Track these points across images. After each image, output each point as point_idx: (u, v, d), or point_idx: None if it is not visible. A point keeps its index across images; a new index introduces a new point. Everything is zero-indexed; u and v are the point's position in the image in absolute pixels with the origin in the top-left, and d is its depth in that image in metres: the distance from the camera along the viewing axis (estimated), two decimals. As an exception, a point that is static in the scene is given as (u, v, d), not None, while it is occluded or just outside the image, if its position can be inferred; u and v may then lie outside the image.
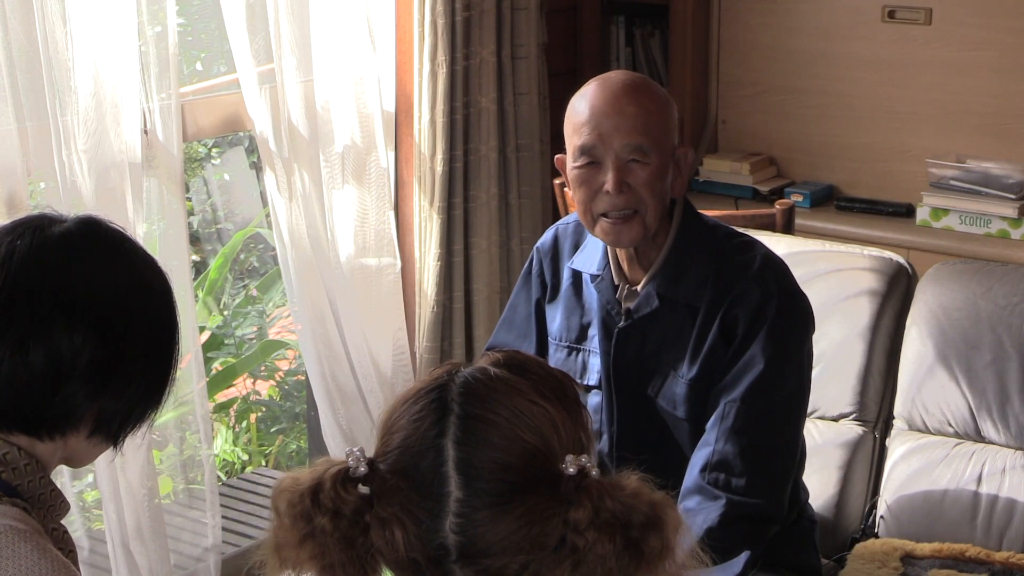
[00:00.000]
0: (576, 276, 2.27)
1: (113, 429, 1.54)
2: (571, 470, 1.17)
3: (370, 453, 1.23)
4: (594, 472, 1.18)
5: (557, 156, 2.20)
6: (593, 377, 2.23)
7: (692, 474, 2.09)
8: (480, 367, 1.24)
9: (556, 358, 2.29)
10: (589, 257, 2.23)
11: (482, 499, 1.16)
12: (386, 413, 1.25)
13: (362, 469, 1.19)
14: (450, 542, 1.16)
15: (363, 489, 1.19)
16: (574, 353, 2.26)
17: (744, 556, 2.02)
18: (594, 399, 2.25)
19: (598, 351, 2.21)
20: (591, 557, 1.15)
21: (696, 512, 2.06)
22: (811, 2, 3.65)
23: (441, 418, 1.19)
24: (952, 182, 3.43)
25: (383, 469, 1.20)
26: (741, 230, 2.28)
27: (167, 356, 1.56)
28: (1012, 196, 3.35)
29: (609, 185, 2.06)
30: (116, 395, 1.50)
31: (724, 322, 2.11)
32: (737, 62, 3.81)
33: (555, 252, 2.31)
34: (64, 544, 1.54)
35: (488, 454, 1.17)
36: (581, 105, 2.11)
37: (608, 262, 2.20)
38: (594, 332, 2.22)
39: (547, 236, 2.35)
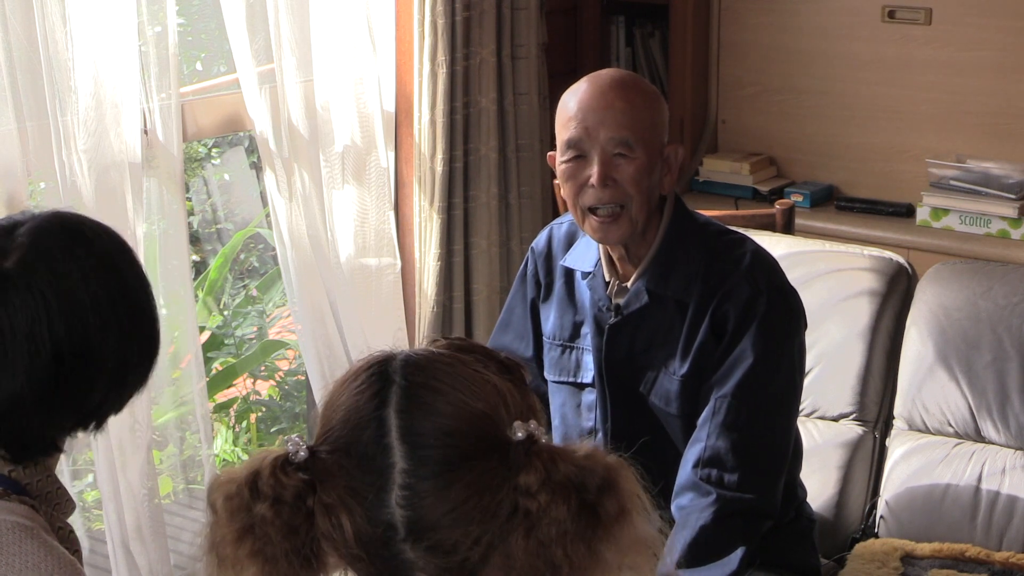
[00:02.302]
0: (569, 275, 2.27)
1: (93, 425, 1.56)
2: (520, 435, 1.13)
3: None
4: (543, 439, 1.14)
5: (549, 154, 2.21)
6: (587, 375, 2.24)
7: (685, 470, 2.10)
8: (422, 348, 1.20)
9: (550, 357, 2.30)
10: (582, 255, 2.24)
11: (428, 468, 1.11)
12: (326, 395, 1.20)
13: (302, 454, 1.14)
14: (397, 518, 1.12)
15: (304, 475, 1.14)
16: (568, 351, 2.27)
17: (739, 552, 2.03)
18: (588, 397, 2.25)
19: (591, 348, 2.22)
20: (545, 520, 1.11)
21: (689, 510, 2.07)
22: (811, 2, 3.65)
23: (382, 389, 1.14)
24: (952, 182, 3.43)
25: (324, 451, 1.15)
26: (740, 230, 2.28)
27: (143, 357, 1.56)
28: (1012, 196, 3.35)
29: (594, 179, 2.07)
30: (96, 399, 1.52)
31: (714, 318, 2.11)
32: (737, 62, 3.81)
33: (549, 252, 2.32)
34: (70, 543, 1.55)
35: (433, 420, 1.12)
36: (570, 101, 2.12)
37: (600, 259, 2.20)
38: (587, 330, 2.23)
39: (541, 236, 2.36)
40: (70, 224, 1.55)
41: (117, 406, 1.56)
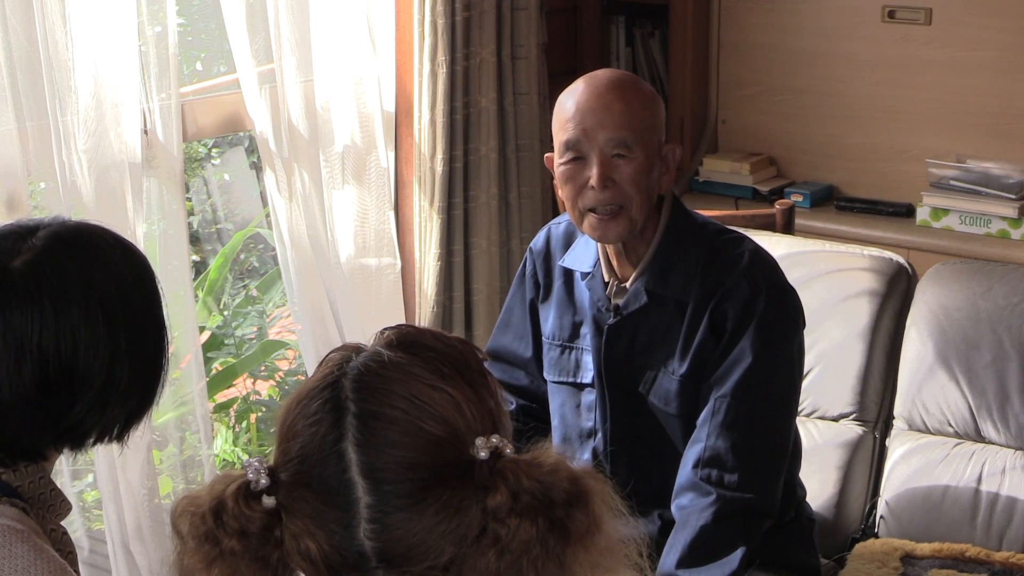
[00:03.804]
0: (568, 275, 2.27)
1: (81, 439, 1.55)
2: (483, 454, 1.11)
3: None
4: (508, 451, 1.13)
5: (547, 155, 2.20)
6: (587, 375, 2.24)
7: (685, 470, 2.10)
8: (373, 351, 1.17)
9: (550, 357, 2.29)
10: (580, 255, 2.24)
11: (393, 502, 1.10)
12: (282, 415, 1.17)
13: (263, 481, 1.12)
14: (368, 549, 1.11)
15: (268, 501, 1.12)
16: (567, 352, 2.27)
17: (740, 552, 2.03)
18: (588, 397, 2.25)
19: (590, 349, 2.22)
20: (515, 544, 1.10)
21: (690, 510, 2.07)
22: (811, 2, 3.65)
23: (338, 420, 1.12)
24: (952, 182, 3.43)
25: (285, 479, 1.13)
26: (740, 230, 2.28)
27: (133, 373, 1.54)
28: (1012, 196, 3.35)
29: (594, 180, 2.07)
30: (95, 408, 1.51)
31: (713, 317, 2.11)
32: (737, 62, 3.81)
33: (547, 252, 2.32)
34: (63, 546, 1.54)
35: (392, 454, 1.11)
36: (567, 102, 2.12)
37: (598, 259, 2.20)
38: (586, 330, 2.23)
39: (539, 236, 2.36)
40: (90, 238, 1.54)
41: (100, 429, 1.53)
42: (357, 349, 1.18)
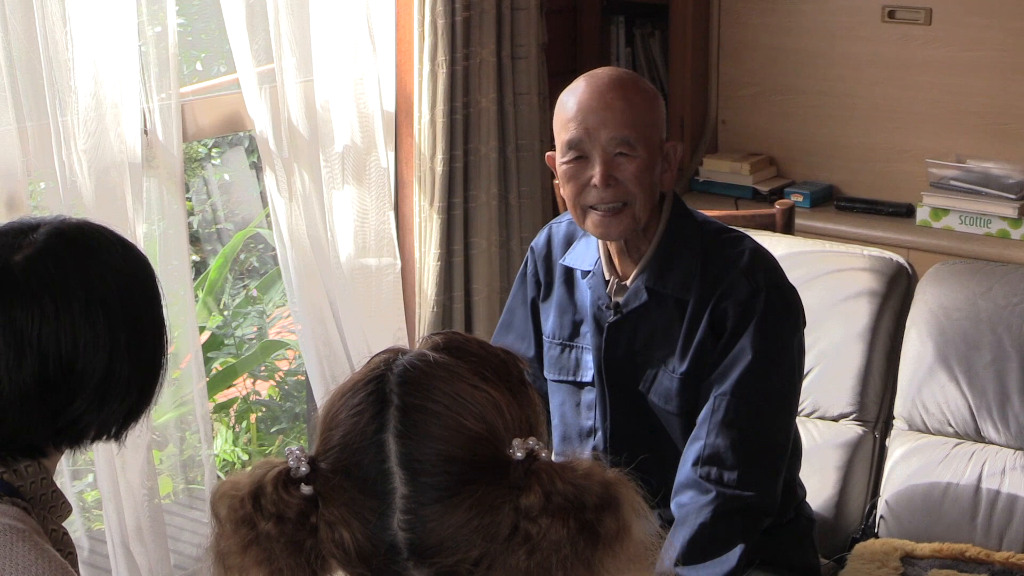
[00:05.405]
0: (568, 273, 2.27)
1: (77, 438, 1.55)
2: (519, 455, 1.14)
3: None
4: (543, 454, 1.15)
5: (548, 154, 2.21)
6: (587, 374, 2.24)
7: (684, 468, 2.10)
8: (419, 352, 1.20)
9: (550, 356, 2.30)
10: (581, 254, 2.24)
11: (429, 494, 1.12)
12: (325, 406, 1.20)
13: (303, 469, 1.15)
14: (400, 540, 1.13)
15: (306, 489, 1.15)
16: (567, 350, 2.27)
17: (738, 549, 2.03)
18: (588, 396, 2.25)
19: (591, 347, 2.22)
20: (545, 544, 1.12)
21: (689, 508, 2.07)
22: (811, 2, 3.65)
23: (380, 411, 1.15)
24: (952, 182, 3.43)
25: (325, 468, 1.15)
26: (740, 230, 2.28)
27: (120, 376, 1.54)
28: (1012, 196, 3.35)
29: (597, 179, 2.07)
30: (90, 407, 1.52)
31: (713, 316, 2.11)
32: (737, 62, 3.81)
33: (548, 251, 2.32)
34: (63, 546, 1.54)
35: (431, 446, 1.13)
36: (569, 101, 2.12)
37: (599, 258, 2.20)
38: (587, 329, 2.23)
39: (540, 236, 2.36)
40: (90, 235, 1.55)
41: (98, 426, 1.53)
42: (403, 351, 1.22)
